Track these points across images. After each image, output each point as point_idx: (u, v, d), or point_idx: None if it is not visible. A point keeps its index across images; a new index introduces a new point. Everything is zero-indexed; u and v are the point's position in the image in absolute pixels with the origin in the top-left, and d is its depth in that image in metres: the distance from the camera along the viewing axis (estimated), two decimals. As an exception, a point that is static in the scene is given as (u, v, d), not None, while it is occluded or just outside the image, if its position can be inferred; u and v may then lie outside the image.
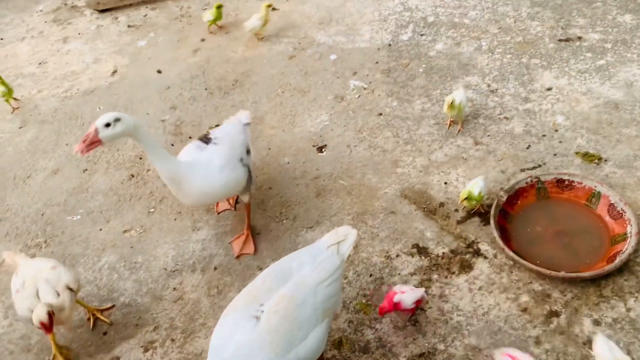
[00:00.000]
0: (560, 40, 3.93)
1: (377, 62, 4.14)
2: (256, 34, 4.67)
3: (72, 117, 4.32)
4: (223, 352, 2.01)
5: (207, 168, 2.80)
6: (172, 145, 3.86)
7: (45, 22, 5.58)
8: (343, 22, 4.62)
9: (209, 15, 4.75)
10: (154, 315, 2.87)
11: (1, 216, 3.63)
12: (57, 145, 4.09)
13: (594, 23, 3.99)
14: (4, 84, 4.34)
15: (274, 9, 4.61)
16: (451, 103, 3.25)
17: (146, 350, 2.73)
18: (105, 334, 2.84)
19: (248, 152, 3.07)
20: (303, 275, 2.19)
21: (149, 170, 3.71)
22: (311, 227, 3.11)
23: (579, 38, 3.90)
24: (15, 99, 4.50)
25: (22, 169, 3.95)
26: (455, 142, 3.41)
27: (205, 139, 3.00)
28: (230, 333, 2.04)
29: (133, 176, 3.71)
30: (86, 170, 3.83)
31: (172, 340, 2.75)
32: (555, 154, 3.17)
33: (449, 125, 3.48)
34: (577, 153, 3.14)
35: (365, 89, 3.95)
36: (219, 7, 4.74)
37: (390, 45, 4.27)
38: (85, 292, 3.04)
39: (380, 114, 3.73)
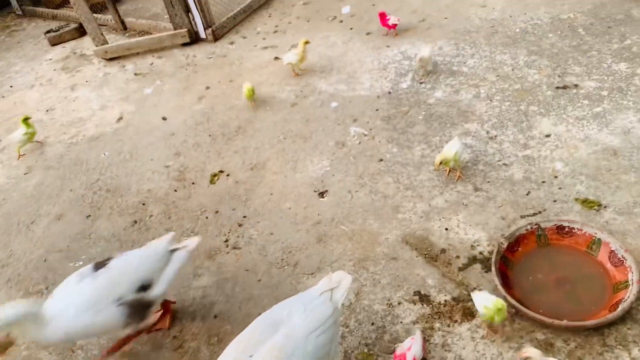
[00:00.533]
0: (557, 87, 4.00)
1: (377, 110, 4.22)
2: (293, 69, 4.79)
3: (77, 163, 4.38)
4: None
5: (62, 310, 2.43)
6: (176, 190, 3.90)
7: (54, 70, 5.73)
8: (344, 71, 4.73)
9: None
10: (153, 364, 2.84)
11: (4, 262, 3.64)
12: (61, 190, 4.14)
13: (589, 71, 4.08)
14: (29, 125, 4.44)
15: (307, 42, 4.62)
16: (440, 162, 3.32)
17: (144, 400, 2.69)
18: (103, 383, 2.80)
19: (146, 287, 2.61)
20: (293, 324, 2.14)
21: (151, 216, 3.74)
22: (312, 274, 3.11)
23: (576, 86, 3.98)
24: (38, 141, 4.61)
25: (27, 215, 3.99)
26: (456, 189, 3.43)
27: (101, 264, 2.62)
28: None
29: (136, 222, 3.73)
30: (89, 216, 3.86)
31: (171, 390, 2.71)
32: (555, 200, 3.18)
33: (448, 173, 3.51)
34: (576, 199, 3.16)
35: (365, 135, 4.01)
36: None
37: (390, 93, 4.36)
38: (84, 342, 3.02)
39: (381, 160, 3.77)
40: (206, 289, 3.17)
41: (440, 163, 3.34)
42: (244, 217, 3.56)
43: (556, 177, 3.34)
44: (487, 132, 3.78)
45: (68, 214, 3.91)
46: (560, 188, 3.26)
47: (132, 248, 3.51)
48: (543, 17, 4.79)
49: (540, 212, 3.14)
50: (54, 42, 6.20)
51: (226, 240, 3.44)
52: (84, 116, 4.93)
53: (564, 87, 3.98)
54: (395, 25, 4.87)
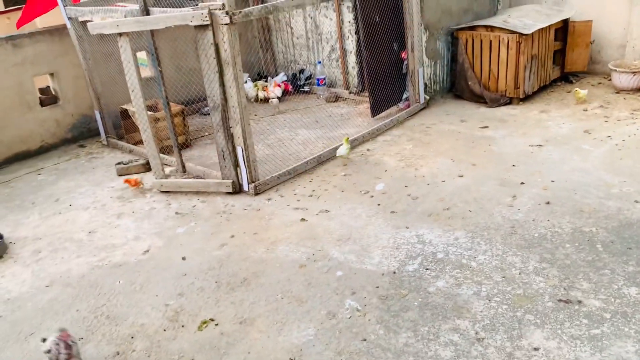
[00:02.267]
0: (560, 300, 3.89)
1: (377, 287, 4.27)
2: (343, 159, 6.62)
3: (93, 286, 4.69)
4: None
5: None
6: (165, 330, 4.03)
7: (111, 197, 6.37)
8: (359, 242, 4.90)
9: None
10: None
11: (-10, 367, 3.83)
12: (69, 309, 4.40)
13: (597, 289, 3.96)
14: None
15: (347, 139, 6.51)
16: None
17: None
18: None
19: None
20: None
21: (134, 351, 3.86)
22: None
23: (579, 302, 3.86)
24: None
25: (30, 326, 4.24)
26: (428, 386, 3.30)
27: None
28: None
29: (118, 354, 3.85)
30: (82, 338, 4.04)
31: None
32: (524, 423, 2.97)
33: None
34: None
35: (358, 310, 4.03)
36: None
37: (394, 272, 4.43)
38: None
39: (364, 340, 3.74)
40: None
41: None
42: (214, 370, 3.59)
43: (533, 396, 3.14)
44: (476, 333, 3.69)
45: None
46: (534, 410, 3.05)
47: (104, 379, 3.62)
48: (565, 227, 4.81)
49: None
50: (121, 173, 6.95)
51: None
52: (117, 243, 5.35)
53: (567, 301, 3.87)
54: None
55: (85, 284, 4.73)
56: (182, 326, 4.07)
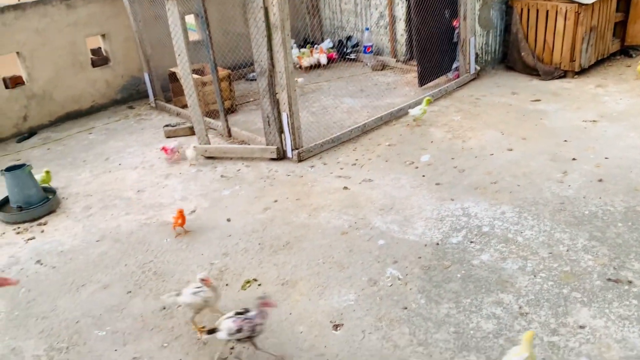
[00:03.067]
0: (609, 279, 3.79)
1: (419, 257, 4.25)
2: (415, 120, 6.65)
3: (141, 242, 4.83)
4: None
5: None
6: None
7: (159, 158, 6.51)
8: (402, 213, 4.87)
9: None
10: None
11: (46, 314, 4.03)
12: (118, 263, 4.56)
13: (650, 270, 3.83)
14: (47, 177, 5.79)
15: (429, 100, 6.65)
16: None
17: None
18: None
19: None
20: None
21: (179, 306, 3.98)
22: (296, 404, 3.08)
23: (629, 282, 3.74)
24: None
25: (81, 278, 4.42)
26: (469, 357, 3.29)
27: None
28: None
29: (164, 308, 3.98)
30: (130, 292, 4.20)
31: None
32: (567, 398, 2.93)
33: None
34: (591, 404, 2.89)
35: (400, 279, 4.03)
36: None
37: (438, 244, 4.39)
38: (74, 406, 3.20)
39: (405, 308, 3.74)
40: (196, 389, 3.26)
41: None
42: (257, 329, 3.67)
43: (577, 373, 3.09)
44: (520, 308, 3.64)
45: (114, 286, 4.28)
46: (577, 386, 3.01)
47: (151, 332, 3.76)
48: (618, 205, 4.64)
49: (546, 407, 2.90)
50: (169, 135, 7.08)
51: (232, 348, 3.54)
52: (164, 202, 5.49)
53: (616, 281, 3.76)
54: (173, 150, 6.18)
55: (134, 240, 4.89)
56: (227, 285, 4.16)
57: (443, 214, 4.81)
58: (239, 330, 3.25)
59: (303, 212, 5.06)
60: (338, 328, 3.63)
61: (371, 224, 4.76)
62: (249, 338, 3.32)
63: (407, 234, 4.58)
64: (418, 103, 7.04)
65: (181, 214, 4.78)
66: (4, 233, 5.21)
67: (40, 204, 5.45)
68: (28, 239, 5.06)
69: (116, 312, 3.99)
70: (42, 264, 4.64)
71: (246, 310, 3.33)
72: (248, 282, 4.17)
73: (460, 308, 3.70)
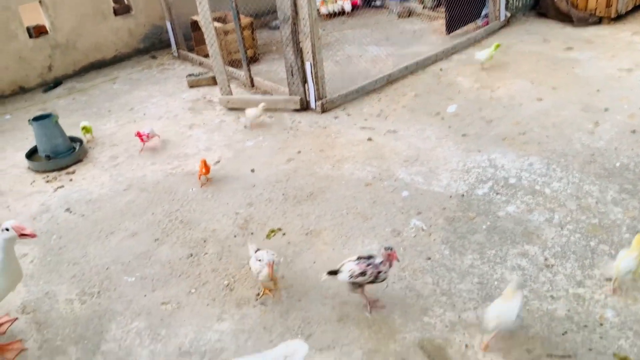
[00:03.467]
0: (639, 232, 3.72)
1: (444, 208, 4.22)
2: (482, 64, 6.50)
3: (168, 192, 4.89)
4: None
5: None
6: (235, 236, 4.20)
7: (183, 108, 6.50)
8: (427, 164, 4.82)
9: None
10: (151, 388, 3.04)
11: (77, 260, 4.15)
12: (145, 212, 4.64)
13: (681, 223, 3.75)
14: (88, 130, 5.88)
15: (498, 45, 6.38)
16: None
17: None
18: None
19: None
20: None
21: (206, 254, 4.05)
22: (320, 350, 3.15)
23: (660, 235, 3.67)
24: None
25: (109, 225, 4.52)
26: (492, 307, 3.30)
27: None
28: None
29: (191, 255, 4.06)
30: (157, 240, 4.28)
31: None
32: (590, 349, 2.94)
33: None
34: (615, 354, 2.89)
35: (423, 230, 4.03)
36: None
37: (463, 195, 4.35)
38: (106, 347, 3.33)
39: (429, 259, 3.75)
40: (223, 334, 3.35)
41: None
42: (282, 276, 3.73)
43: (602, 324, 3.08)
44: (546, 259, 3.61)
45: (142, 233, 4.37)
46: (601, 337, 3.00)
47: (179, 278, 3.85)
48: (651, 157, 4.52)
49: (569, 357, 2.92)
50: (192, 85, 7.04)
51: (258, 294, 3.61)
52: (189, 152, 5.52)
53: (646, 234, 3.69)
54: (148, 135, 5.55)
55: (160, 189, 4.95)
56: (252, 233, 4.21)
57: (469, 165, 4.75)
58: (362, 274, 3.20)
59: (327, 163, 5.04)
60: (362, 277, 3.67)
61: (395, 176, 4.72)
62: (371, 283, 3.27)
63: (431, 185, 4.54)
64: (445, 52, 6.84)
65: (204, 164, 4.80)
66: (34, 181, 5.32)
67: (67, 153, 5.53)
68: (57, 188, 5.16)
69: (144, 259, 4.09)
70: (71, 212, 4.75)
71: (370, 257, 3.27)
72: (273, 231, 4.22)
73: (484, 259, 3.70)
